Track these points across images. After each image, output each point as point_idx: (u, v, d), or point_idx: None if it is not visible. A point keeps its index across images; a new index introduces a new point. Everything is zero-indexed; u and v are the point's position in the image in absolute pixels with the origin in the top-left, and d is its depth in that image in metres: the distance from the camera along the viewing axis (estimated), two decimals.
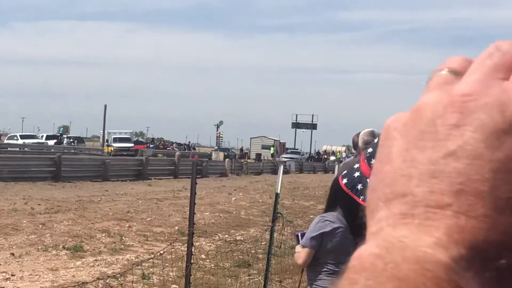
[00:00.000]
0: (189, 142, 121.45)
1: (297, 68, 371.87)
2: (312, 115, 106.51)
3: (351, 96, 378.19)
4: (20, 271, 10.08)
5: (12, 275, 9.73)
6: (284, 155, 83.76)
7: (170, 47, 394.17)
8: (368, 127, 6.07)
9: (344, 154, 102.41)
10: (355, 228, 4.77)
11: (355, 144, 6.09)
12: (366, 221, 0.49)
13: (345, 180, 2.66)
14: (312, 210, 21.16)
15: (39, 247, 12.01)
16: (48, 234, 13.49)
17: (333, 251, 4.79)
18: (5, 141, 61.65)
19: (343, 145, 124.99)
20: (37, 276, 9.84)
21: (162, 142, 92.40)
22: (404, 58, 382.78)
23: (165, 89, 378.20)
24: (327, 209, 4.94)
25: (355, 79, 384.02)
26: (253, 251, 12.37)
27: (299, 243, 5.00)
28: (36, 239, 12.84)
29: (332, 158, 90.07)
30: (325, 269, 4.82)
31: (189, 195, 5.95)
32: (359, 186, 2.59)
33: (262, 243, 11.93)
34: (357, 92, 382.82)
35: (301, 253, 4.88)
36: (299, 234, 5.04)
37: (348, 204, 4.49)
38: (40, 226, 14.58)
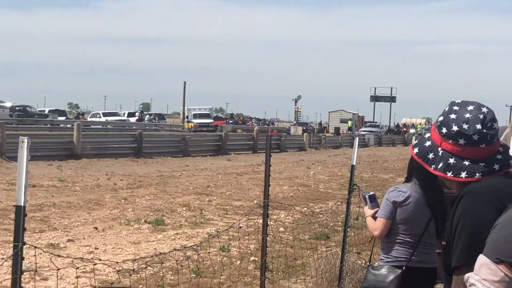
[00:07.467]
0: (263, 117, 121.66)
1: (377, 41, 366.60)
2: (391, 88, 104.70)
3: (431, 68, 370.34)
4: (103, 244, 10.34)
5: (95, 248, 9.99)
6: (363, 129, 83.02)
7: (247, 23, 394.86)
8: (448, 100, 5.92)
9: (424, 126, 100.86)
10: (431, 199, 4.72)
11: None
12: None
13: (416, 150, 2.60)
14: (391, 183, 20.90)
15: (122, 221, 12.28)
16: (130, 209, 13.79)
17: (405, 221, 4.76)
18: (89, 119, 63.32)
19: (423, 118, 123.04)
20: (120, 249, 10.07)
21: (241, 118, 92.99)
22: (486, 29, 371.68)
23: (244, 65, 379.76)
24: (406, 181, 4.91)
25: (435, 51, 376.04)
26: (332, 224, 12.34)
27: (366, 205, 4.99)
28: (119, 214, 13.15)
29: (412, 130, 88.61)
30: (398, 239, 4.79)
31: None
32: (431, 155, 2.53)
33: (341, 216, 11.89)
34: (438, 64, 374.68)
35: (376, 224, 4.86)
36: (367, 196, 5.00)
37: (423, 174, 4.45)
38: (123, 201, 14.94)
